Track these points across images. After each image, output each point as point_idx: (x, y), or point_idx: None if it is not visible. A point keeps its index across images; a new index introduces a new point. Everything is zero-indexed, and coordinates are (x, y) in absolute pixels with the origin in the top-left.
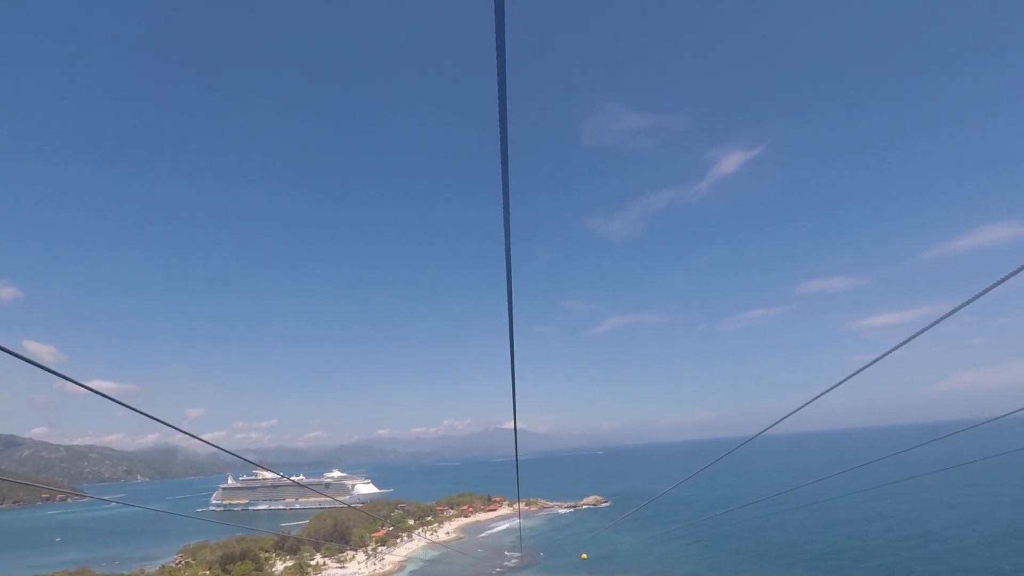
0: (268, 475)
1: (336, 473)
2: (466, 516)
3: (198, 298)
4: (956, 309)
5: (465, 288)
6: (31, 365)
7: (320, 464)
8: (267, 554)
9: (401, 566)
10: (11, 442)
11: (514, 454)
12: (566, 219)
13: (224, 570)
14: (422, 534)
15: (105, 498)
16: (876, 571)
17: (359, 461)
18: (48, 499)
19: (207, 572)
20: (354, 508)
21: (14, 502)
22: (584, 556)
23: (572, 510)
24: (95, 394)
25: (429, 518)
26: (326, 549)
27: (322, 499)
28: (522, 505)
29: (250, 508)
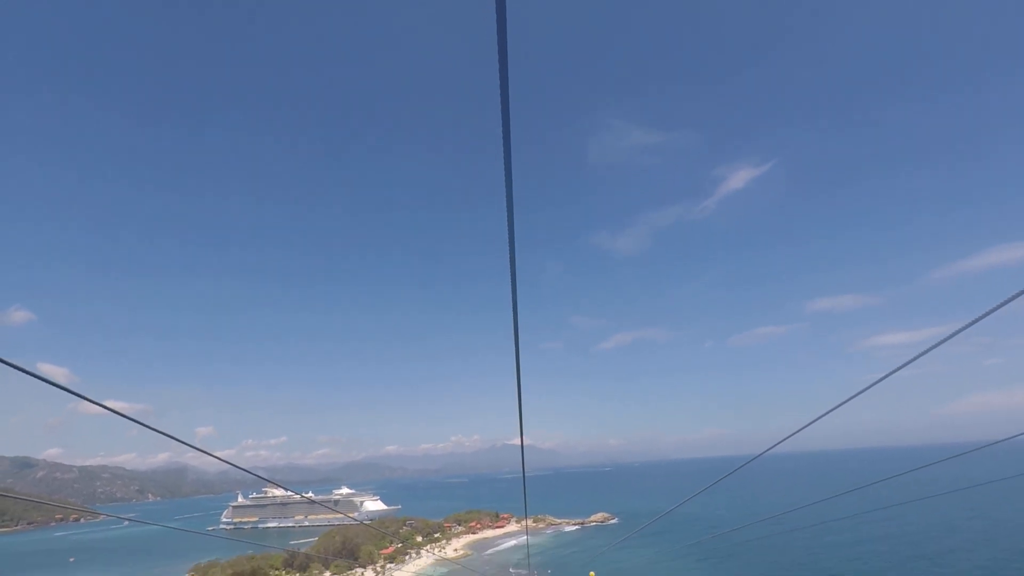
0: (278, 492)
1: (345, 490)
2: (474, 533)
3: (207, 316)
4: (965, 327)
5: (474, 304)
6: (46, 387)
7: (329, 481)
8: (277, 571)
9: None
10: (25, 464)
11: (521, 470)
12: (573, 235)
13: None
14: (430, 551)
15: (119, 515)
16: None
17: (367, 478)
18: (62, 520)
19: None
20: (364, 525)
21: (28, 523)
22: (592, 574)
23: (580, 527)
24: (107, 413)
25: (437, 535)
26: (335, 566)
27: (331, 516)
28: (529, 522)
29: (260, 526)
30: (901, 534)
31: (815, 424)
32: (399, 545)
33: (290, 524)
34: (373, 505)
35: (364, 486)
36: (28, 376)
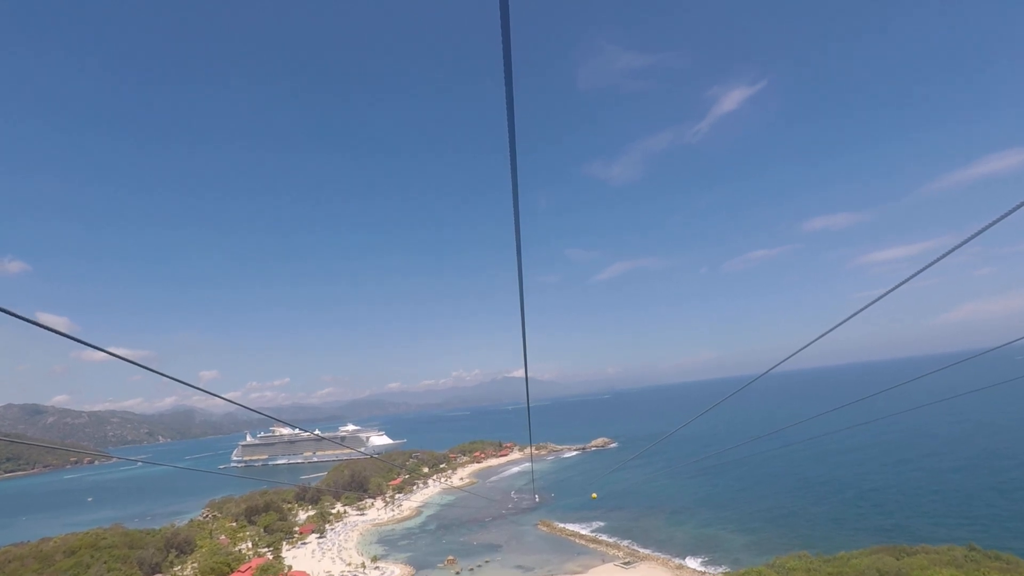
0: (285, 431)
1: (350, 427)
2: (479, 462)
3: (205, 264)
4: (967, 240)
5: (471, 241)
6: (48, 336)
7: (334, 419)
8: (289, 505)
9: (418, 511)
10: (35, 410)
11: (523, 401)
12: (566, 166)
13: (250, 521)
14: (437, 480)
15: (132, 458)
16: (852, 495)
17: (372, 414)
18: (76, 462)
19: (234, 523)
20: (372, 458)
21: (44, 467)
22: (594, 495)
23: (581, 452)
24: (109, 360)
25: (443, 465)
26: (345, 498)
27: (339, 452)
28: (532, 449)
29: (270, 463)
30: (886, 442)
31: (810, 345)
32: (407, 476)
33: (299, 460)
34: (379, 440)
35: (369, 422)
36: (29, 324)
